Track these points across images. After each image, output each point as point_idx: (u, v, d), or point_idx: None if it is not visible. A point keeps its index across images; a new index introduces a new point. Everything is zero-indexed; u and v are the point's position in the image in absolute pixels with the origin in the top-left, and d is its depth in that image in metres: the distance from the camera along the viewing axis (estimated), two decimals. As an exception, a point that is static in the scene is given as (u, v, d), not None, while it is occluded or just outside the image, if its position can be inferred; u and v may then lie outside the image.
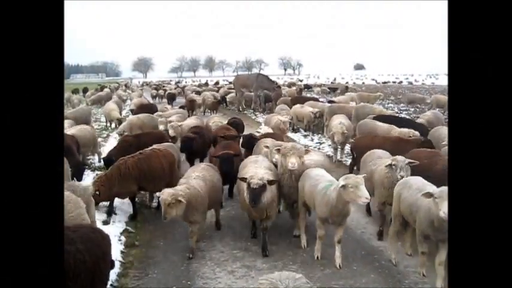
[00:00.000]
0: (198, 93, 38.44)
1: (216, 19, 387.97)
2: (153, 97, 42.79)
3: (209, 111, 29.92)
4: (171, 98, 38.02)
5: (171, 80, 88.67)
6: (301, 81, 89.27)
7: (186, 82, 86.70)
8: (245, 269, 7.23)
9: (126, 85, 69.34)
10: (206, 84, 63.86)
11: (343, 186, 6.48)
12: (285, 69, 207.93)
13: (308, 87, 56.33)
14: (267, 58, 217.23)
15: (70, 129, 14.07)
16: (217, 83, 70.97)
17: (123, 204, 9.90)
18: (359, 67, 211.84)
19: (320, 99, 28.67)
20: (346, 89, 45.54)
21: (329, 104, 22.16)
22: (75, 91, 52.20)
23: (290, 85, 50.74)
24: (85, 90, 53.14)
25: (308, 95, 36.64)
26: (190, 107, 28.49)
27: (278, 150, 8.07)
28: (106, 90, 45.19)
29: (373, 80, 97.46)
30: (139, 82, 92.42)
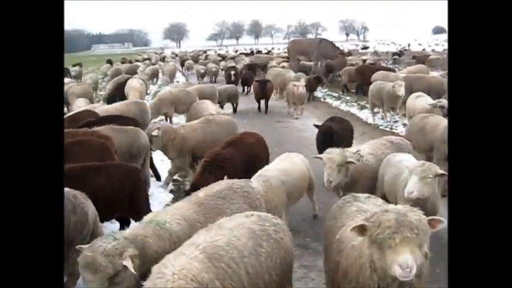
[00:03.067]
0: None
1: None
2: (201, 76, 36.00)
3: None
4: (246, 81, 28.23)
5: (207, 50, 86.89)
6: (366, 48, 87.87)
7: (227, 51, 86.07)
8: (303, 269, 7.29)
9: (164, 58, 64.52)
10: (252, 53, 63.49)
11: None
12: (347, 35, 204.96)
13: (399, 55, 54.20)
14: (325, 21, 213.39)
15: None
16: (266, 51, 70.20)
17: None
18: (439, 31, 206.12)
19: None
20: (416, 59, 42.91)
21: (404, 75, 21.65)
22: (77, 65, 42.88)
23: (349, 54, 47.85)
24: (110, 63, 47.58)
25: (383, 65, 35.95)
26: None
27: (362, 230, 4.16)
28: (137, 64, 41.39)
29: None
30: (172, 53, 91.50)
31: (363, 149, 8.64)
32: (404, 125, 16.16)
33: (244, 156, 8.84)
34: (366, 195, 5.51)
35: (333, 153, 7.90)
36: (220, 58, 53.44)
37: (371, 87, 18.96)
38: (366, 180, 8.18)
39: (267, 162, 9.10)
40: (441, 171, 6.34)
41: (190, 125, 11.54)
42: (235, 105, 21.77)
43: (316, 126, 11.14)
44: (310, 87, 23.94)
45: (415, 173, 6.22)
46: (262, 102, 21.72)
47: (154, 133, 10.24)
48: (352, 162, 7.88)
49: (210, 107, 14.16)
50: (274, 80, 24.04)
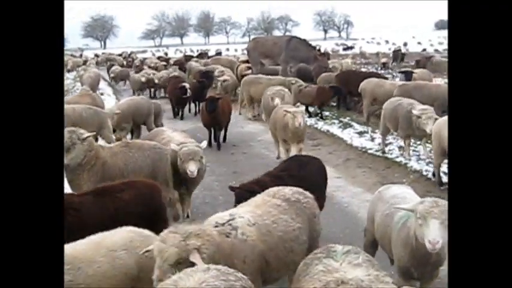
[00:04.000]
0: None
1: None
2: (139, 88, 33.82)
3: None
4: (197, 96, 25.55)
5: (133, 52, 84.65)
6: (349, 48, 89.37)
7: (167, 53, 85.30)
8: None
9: (85, 62, 64.28)
10: (200, 55, 63.37)
11: (406, 210, 6.42)
12: (325, 31, 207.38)
13: (395, 57, 55.13)
14: (297, 14, 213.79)
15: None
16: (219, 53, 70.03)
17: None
18: (444, 26, 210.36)
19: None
20: (417, 63, 43.89)
21: (401, 83, 21.72)
22: None
23: (326, 55, 47.72)
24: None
25: (363, 69, 36.58)
26: None
27: None
28: None
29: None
30: (95, 55, 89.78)
31: (240, 214, 6.62)
32: (419, 158, 15.77)
33: (108, 212, 7.78)
34: (347, 247, 5.30)
35: (170, 238, 5.62)
36: (164, 63, 51.08)
37: (385, 105, 17.28)
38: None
39: (156, 224, 7.74)
40: None
41: (109, 147, 10.65)
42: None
43: (235, 188, 9.26)
44: (321, 100, 23.33)
45: (434, 216, 5.96)
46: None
47: (85, 137, 9.45)
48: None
49: (174, 137, 12.24)
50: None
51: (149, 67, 43.82)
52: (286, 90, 19.64)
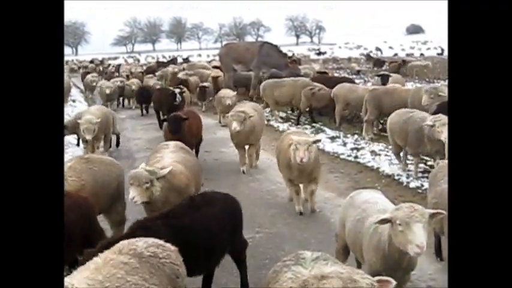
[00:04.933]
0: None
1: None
2: (107, 99, 31.19)
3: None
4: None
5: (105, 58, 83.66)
6: (322, 53, 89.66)
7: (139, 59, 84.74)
8: None
9: None
10: (172, 61, 62.91)
11: (384, 220, 6.24)
12: (298, 36, 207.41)
13: (380, 62, 55.57)
14: (269, 20, 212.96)
15: None
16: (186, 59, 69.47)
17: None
18: (415, 30, 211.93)
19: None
20: (398, 67, 44.01)
21: (372, 87, 21.75)
22: None
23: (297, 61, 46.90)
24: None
25: (336, 74, 36.66)
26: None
27: None
28: None
29: (437, 48, 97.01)
30: (66, 63, 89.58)
31: (75, 284, 4.82)
32: (372, 152, 16.20)
33: None
34: (316, 254, 5.21)
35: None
36: (140, 70, 48.83)
37: (391, 117, 15.29)
38: None
39: (91, 232, 7.99)
40: (433, 211, 6.32)
41: (69, 167, 9.46)
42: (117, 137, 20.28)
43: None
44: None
45: (416, 221, 5.96)
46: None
47: None
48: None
49: (165, 157, 10.51)
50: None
51: (129, 74, 43.47)
52: (251, 111, 15.40)
